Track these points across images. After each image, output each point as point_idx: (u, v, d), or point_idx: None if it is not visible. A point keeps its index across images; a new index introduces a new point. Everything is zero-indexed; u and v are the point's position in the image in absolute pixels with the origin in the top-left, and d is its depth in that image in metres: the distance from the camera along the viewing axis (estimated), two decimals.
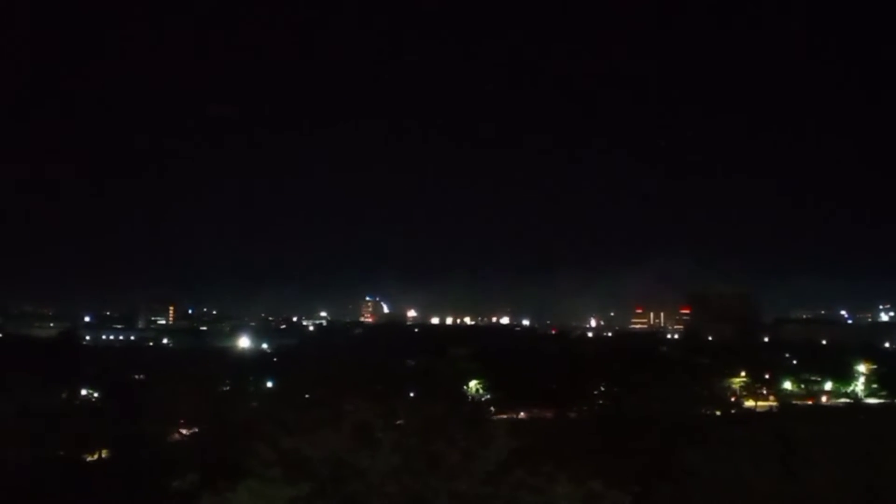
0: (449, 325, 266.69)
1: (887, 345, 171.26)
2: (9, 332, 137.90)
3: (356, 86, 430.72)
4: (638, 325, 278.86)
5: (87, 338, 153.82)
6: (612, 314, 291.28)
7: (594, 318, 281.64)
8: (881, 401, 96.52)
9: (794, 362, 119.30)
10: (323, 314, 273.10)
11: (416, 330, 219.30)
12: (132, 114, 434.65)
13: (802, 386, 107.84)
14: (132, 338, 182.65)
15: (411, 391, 59.72)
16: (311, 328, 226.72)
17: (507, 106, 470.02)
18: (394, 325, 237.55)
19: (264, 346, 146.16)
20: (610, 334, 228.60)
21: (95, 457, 45.06)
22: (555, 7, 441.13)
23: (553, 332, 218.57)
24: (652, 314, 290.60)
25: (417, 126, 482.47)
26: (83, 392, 66.68)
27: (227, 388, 67.62)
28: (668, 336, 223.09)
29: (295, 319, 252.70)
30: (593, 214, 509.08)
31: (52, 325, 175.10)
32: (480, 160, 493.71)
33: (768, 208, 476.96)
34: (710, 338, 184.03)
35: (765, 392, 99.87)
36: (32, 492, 25.44)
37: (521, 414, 68.25)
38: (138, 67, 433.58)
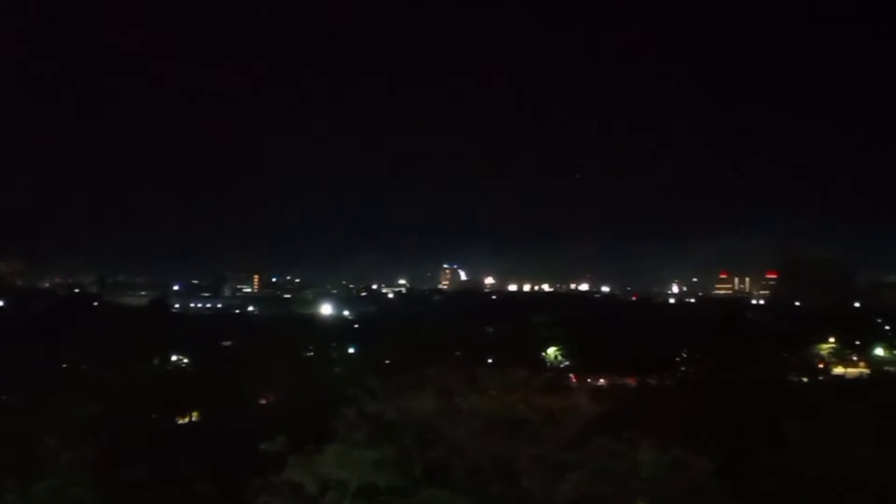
0: (527, 293, 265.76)
1: None
2: (104, 301, 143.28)
3: (441, 51, 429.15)
4: (722, 290, 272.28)
5: (177, 305, 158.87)
6: (694, 280, 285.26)
7: (676, 283, 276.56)
8: None
9: (887, 328, 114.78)
10: (402, 282, 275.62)
11: (494, 297, 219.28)
12: (208, 81, 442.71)
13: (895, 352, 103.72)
14: (219, 305, 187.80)
15: (490, 358, 59.89)
16: (391, 296, 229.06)
17: (582, 77, 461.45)
18: (472, 292, 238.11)
19: (346, 313, 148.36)
20: (693, 300, 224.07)
21: (186, 419, 46.62)
22: None
23: (634, 298, 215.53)
24: (736, 280, 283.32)
25: (495, 95, 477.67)
26: (173, 358, 68.81)
27: (312, 353, 69.07)
28: (754, 302, 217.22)
29: (374, 287, 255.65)
30: (673, 180, 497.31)
31: (143, 293, 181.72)
32: (557, 126, 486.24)
33: (858, 170, 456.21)
34: (797, 303, 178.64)
35: (855, 358, 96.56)
36: (127, 452, 26.63)
37: (601, 381, 67.75)
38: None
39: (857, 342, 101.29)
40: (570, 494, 17.82)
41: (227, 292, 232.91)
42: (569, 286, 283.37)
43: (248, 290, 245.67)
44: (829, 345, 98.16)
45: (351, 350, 76.97)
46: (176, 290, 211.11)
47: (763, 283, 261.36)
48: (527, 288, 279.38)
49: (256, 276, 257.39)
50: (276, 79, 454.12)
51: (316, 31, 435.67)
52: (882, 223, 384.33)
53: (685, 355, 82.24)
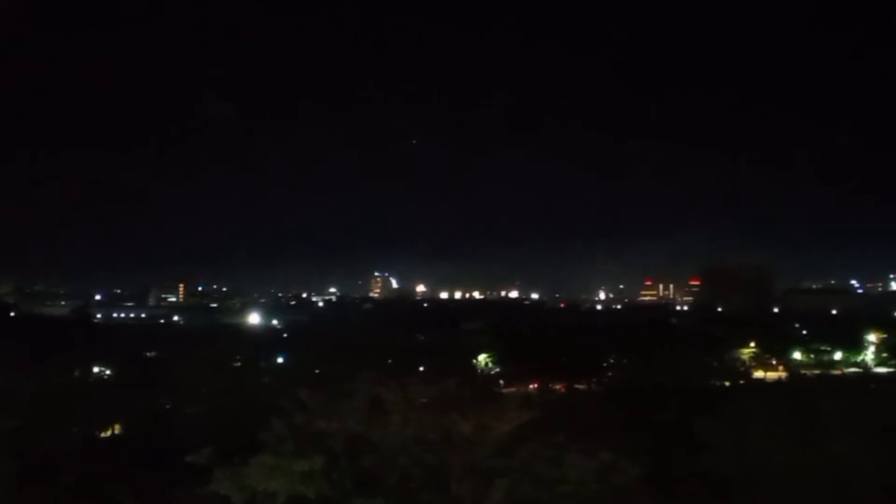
0: (458, 300, 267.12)
1: None
2: (22, 311, 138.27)
3: (362, 60, 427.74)
4: (647, 297, 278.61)
5: (99, 316, 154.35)
6: (620, 287, 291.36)
7: (603, 290, 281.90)
8: (891, 370, 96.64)
9: (804, 332, 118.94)
10: (332, 290, 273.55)
11: (426, 305, 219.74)
12: (139, 88, 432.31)
13: (812, 356, 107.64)
14: (143, 315, 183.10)
15: (422, 365, 59.93)
16: (321, 304, 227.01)
17: (514, 77, 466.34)
18: (403, 299, 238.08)
19: (275, 322, 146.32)
20: (619, 307, 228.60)
21: (109, 432, 45.45)
22: None
23: (562, 305, 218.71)
24: (661, 286, 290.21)
25: (424, 99, 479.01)
26: (95, 369, 67.07)
27: (239, 364, 68.03)
28: (678, 308, 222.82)
29: (305, 295, 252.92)
30: (601, 188, 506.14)
31: (63, 303, 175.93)
32: (486, 134, 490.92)
33: (776, 179, 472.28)
34: (719, 309, 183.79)
35: (774, 363, 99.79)
36: (47, 468, 25.78)
37: (531, 387, 68.44)
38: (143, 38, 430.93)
39: (776, 346, 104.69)
40: (501, 500, 17.92)
41: (151, 302, 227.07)
42: (499, 293, 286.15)
43: (174, 299, 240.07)
44: (749, 349, 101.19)
45: (280, 360, 76.09)
46: (98, 300, 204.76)
47: (686, 289, 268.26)
48: (458, 295, 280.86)
49: (182, 285, 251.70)
50: (205, 86, 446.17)
51: (241, 42, 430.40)
52: (799, 230, 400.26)
53: (612, 361, 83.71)
